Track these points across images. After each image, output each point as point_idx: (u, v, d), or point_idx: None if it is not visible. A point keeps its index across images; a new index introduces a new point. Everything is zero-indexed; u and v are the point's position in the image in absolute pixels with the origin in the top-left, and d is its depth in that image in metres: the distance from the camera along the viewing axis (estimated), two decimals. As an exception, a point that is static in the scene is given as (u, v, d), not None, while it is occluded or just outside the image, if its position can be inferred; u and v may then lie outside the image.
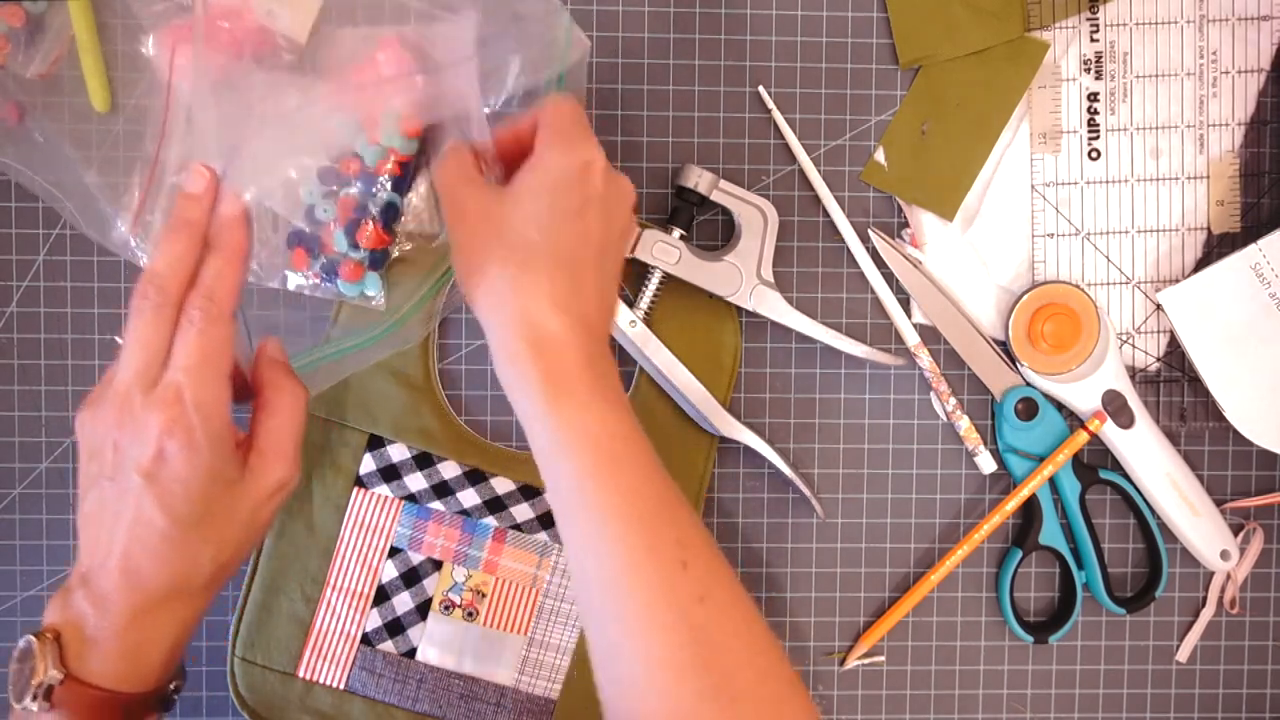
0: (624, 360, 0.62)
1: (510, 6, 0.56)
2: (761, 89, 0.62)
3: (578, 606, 0.49)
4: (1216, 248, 0.63)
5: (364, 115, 0.57)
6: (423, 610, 0.61)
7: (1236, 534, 0.64)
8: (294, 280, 0.59)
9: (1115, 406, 0.62)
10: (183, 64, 0.56)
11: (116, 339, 0.50)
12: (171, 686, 0.52)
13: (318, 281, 0.59)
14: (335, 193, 0.58)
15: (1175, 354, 0.64)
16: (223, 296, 0.49)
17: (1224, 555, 0.63)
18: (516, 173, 0.50)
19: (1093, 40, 0.62)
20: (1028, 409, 0.63)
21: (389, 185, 0.57)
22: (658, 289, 0.60)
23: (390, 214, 0.58)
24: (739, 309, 0.62)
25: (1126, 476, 0.63)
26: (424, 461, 0.61)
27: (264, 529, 0.52)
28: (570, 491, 0.48)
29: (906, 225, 0.63)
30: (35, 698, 0.47)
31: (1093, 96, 0.63)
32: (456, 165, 0.51)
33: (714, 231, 0.63)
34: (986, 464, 0.64)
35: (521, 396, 0.48)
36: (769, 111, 0.62)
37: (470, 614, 0.61)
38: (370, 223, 0.57)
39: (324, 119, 0.56)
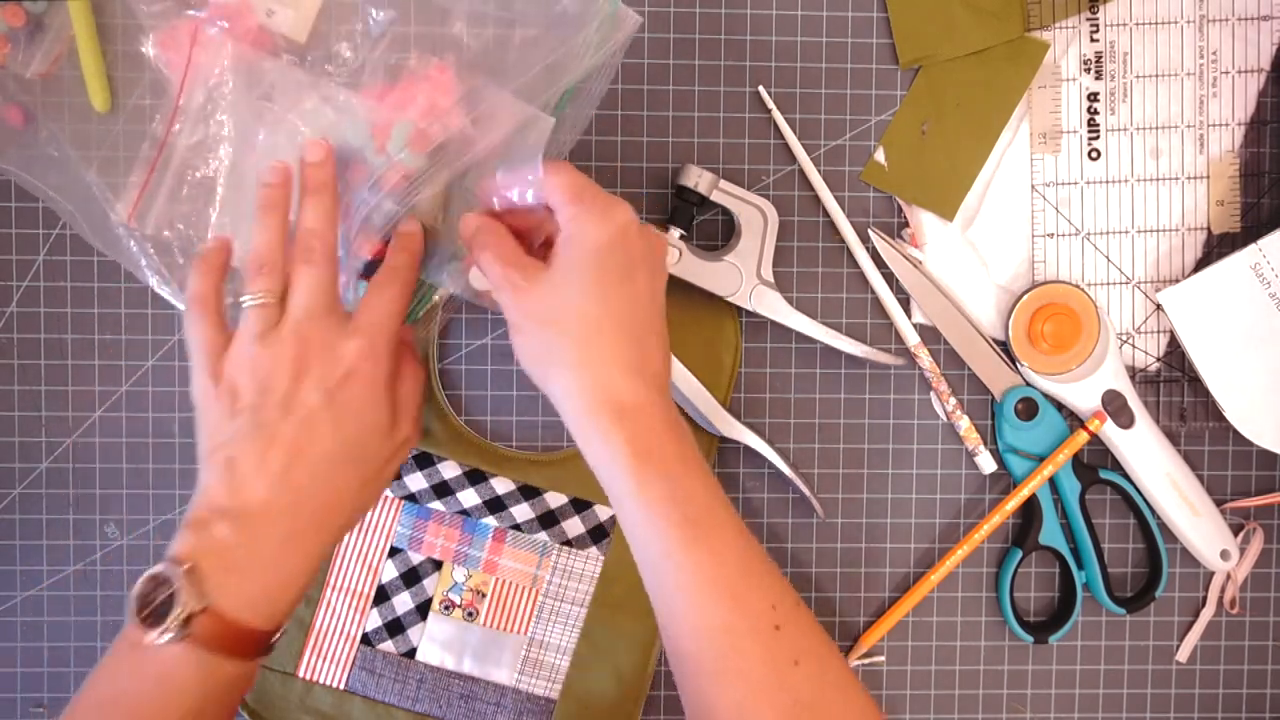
0: (624, 360, 0.62)
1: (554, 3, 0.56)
2: (761, 89, 0.62)
3: (671, 664, 0.50)
4: (1216, 248, 0.63)
5: (377, 124, 0.56)
6: (423, 610, 0.61)
7: (1236, 534, 0.64)
8: None
9: (1115, 406, 0.62)
10: (202, 49, 0.55)
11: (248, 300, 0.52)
12: (280, 632, 0.51)
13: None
14: (339, 197, 0.57)
15: (1175, 354, 0.64)
16: (407, 258, 0.55)
17: (1224, 555, 0.63)
18: (556, 249, 0.51)
19: (1093, 40, 0.62)
20: (1028, 409, 0.63)
21: (393, 198, 0.57)
22: (658, 289, 0.60)
23: (390, 226, 0.57)
24: (739, 309, 0.62)
25: (1126, 476, 0.63)
26: (424, 461, 0.61)
27: (384, 485, 0.56)
28: (659, 562, 0.48)
29: (906, 225, 0.63)
30: (172, 627, 0.46)
31: (1093, 96, 0.63)
32: (504, 247, 0.52)
33: (714, 231, 0.63)
34: (986, 464, 0.64)
35: (609, 471, 0.49)
36: (769, 111, 0.62)
37: (470, 614, 0.61)
38: (371, 232, 0.57)
39: (336, 119, 0.56)
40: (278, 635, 0.51)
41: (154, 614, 0.46)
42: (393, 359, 0.53)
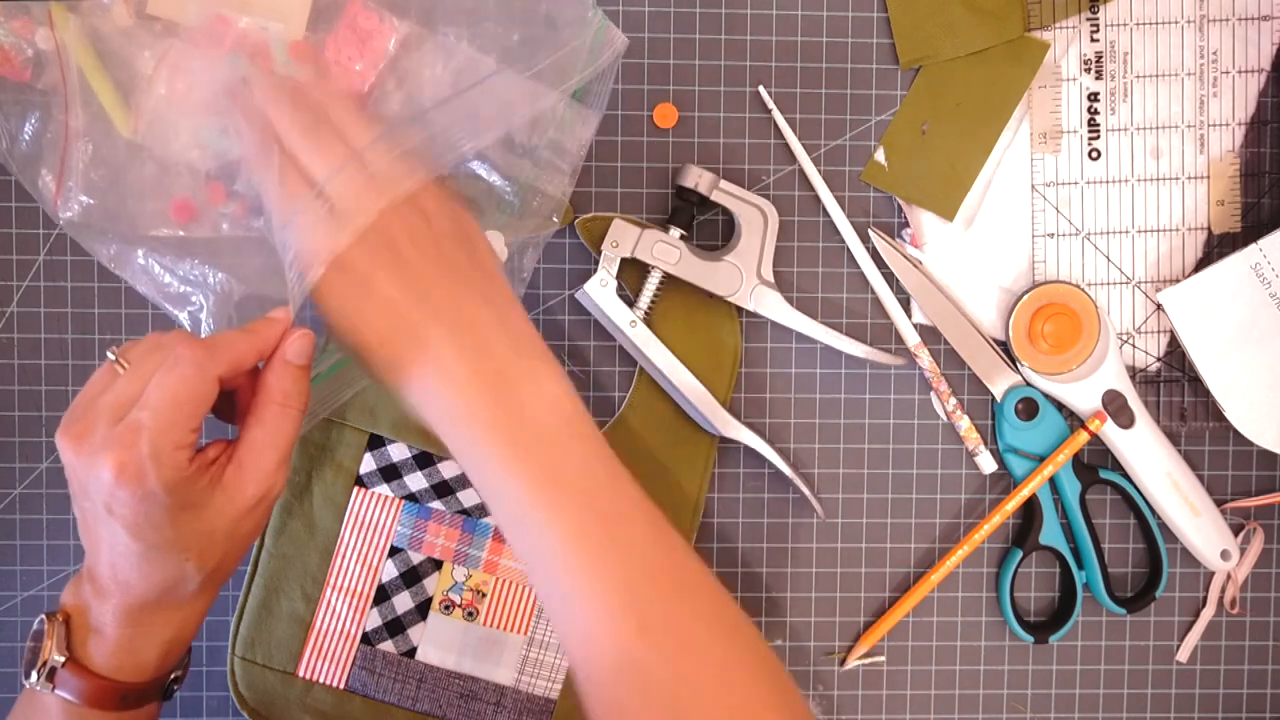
0: (624, 360, 0.62)
1: (540, 10, 0.55)
2: (761, 89, 0.62)
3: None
4: (1216, 248, 0.63)
5: (249, 50, 0.54)
6: (423, 610, 0.61)
7: (1236, 534, 0.64)
8: (222, 222, 0.55)
9: (1115, 406, 0.62)
10: (68, 34, 0.54)
11: (110, 354, 0.48)
12: (172, 677, 0.52)
13: (243, 216, 0.55)
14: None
15: (1175, 354, 0.64)
16: (222, 350, 0.48)
17: (1224, 555, 0.63)
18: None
19: (1093, 40, 0.62)
20: (1028, 409, 0.63)
21: None
22: (658, 289, 0.60)
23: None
24: (739, 309, 0.62)
25: (1127, 476, 0.63)
26: (424, 461, 0.61)
27: (249, 538, 0.50)
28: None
29: (906, 225, 0.63)
30: (39, 677, 0.48)
31: (1093, 96, 0.63)
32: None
33: (714, 231, 0.63)
34: (987, 464, 0.64)
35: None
36: (769, 111, 0.62)
37: (470, 614, 0.61)
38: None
39: (216, 66, 0.54)
40: (173, 679, 0.52)
41: (30, 661, 0.49)
42: (180, 451, 0.46)
